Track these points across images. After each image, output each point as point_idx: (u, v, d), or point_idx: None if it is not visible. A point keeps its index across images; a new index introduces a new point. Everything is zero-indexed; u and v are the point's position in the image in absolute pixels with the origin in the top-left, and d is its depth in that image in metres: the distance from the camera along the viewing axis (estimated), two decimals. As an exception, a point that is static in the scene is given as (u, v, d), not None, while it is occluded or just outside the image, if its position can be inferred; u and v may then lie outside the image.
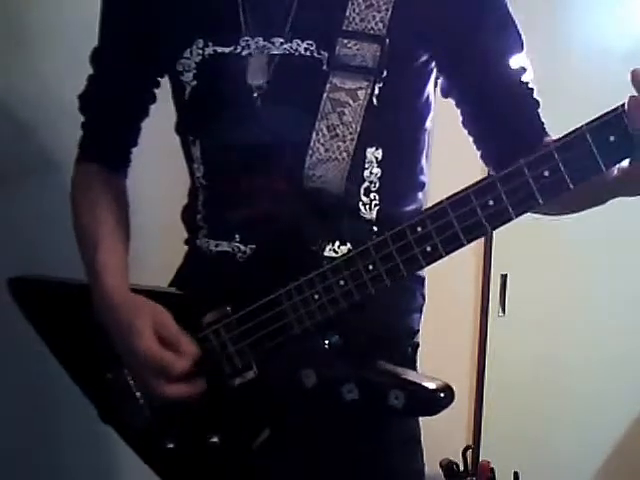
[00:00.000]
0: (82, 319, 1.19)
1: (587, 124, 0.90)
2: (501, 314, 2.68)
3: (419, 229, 0.98)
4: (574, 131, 0.91)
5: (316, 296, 1.04)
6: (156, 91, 1.29)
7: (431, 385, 1.02)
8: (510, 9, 1.17)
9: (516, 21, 1.17)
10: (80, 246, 1.23)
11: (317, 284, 1.04)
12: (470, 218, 0.96)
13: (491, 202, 0.94)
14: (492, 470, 2.52)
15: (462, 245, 0.97)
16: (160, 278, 1.27)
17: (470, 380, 2.64)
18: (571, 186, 0.91)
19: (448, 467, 2.46)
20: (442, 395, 1.02)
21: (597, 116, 0.90)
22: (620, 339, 2.71)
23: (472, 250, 2.64)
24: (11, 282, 1.28)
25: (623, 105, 0.89)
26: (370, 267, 1.01)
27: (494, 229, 0.96)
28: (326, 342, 1.06)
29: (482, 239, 2.62)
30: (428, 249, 0.98)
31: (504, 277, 2.67)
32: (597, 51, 2.60)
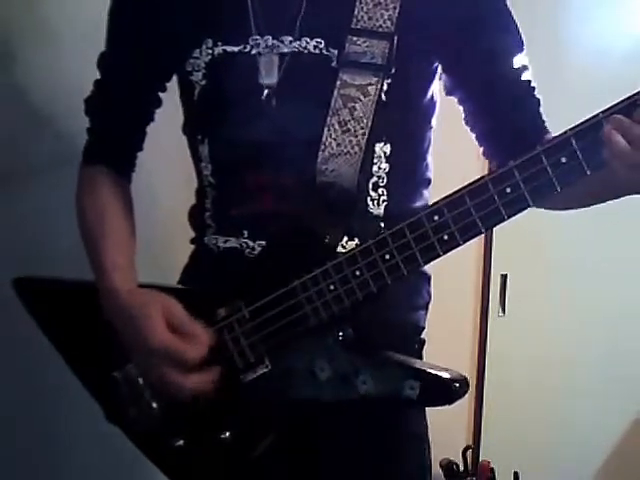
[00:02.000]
0: (89, 318, 1.19)
1: (603, 111, 0.92)
2: (501, 314, 2.68)
3: (436, 217, 1.00)
4: (590, 118, 0.92)
5: (332, 287, 1.05)
6: (162, 95, 1.30)
7: (446, 375, 1.04)
8: (511, 9, 1.18)
9: (517, 21, 1.19)
10: (86, 245, 1.24)
11: (333, 275, 1.05)
12: (487, 206, 0.97)
13: (508, 189, 0.96)
14: (492, 470, 2.52)
15: (480, 233, 0.99)
16: (170, 279, 1.27)
17: (470, 380, 2.63)
18: (588, 172, 0.93)
19: (448, 467, 2.46)
20: (457, 385, 1.04)
21: (612, 104, 0.92)
22: (620, 339, 2.70)
23: (472, 250, 2.64)
24: (17, 282, 1.28)
25: (638, 93, 0.90)
26: (387, 257, 1.02)
27: (510, 217, 0.98)
28: (340, 334, 1.07)
29: (482, 239, 2.63)
30: (445, 237, 1.00)
31: (504, 277, 2.67)
32: (597, 51, 2.60)
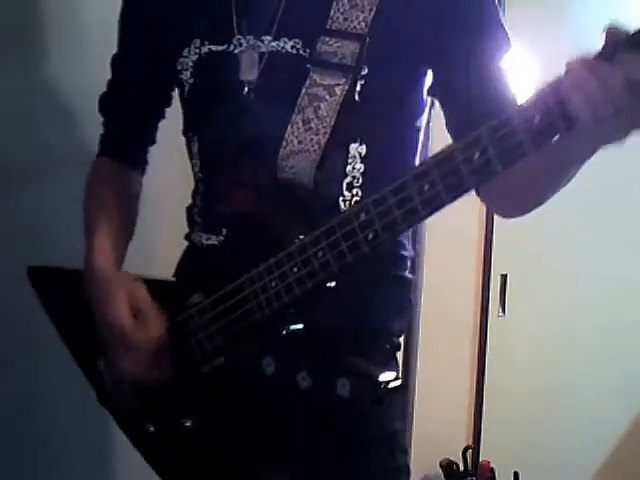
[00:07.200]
0: (85, 306, 1.22)
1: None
2: (501, 314, 2.68)
3: (362, 215, 1.00)
4: (503, 114, 0.91)
5: (273, 283, 1.07)
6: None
7: (377, 375, 1.05)
8: (503, 9, 1.17)
9: (502, 20, 1.16)
10: (84, 233, 1.28)
11: (274, 271, 1.06)
12: (407, 204, 0.97)
13: (426, 187, 0.96)
14: (492, 470, 2.53)
15: (402, 230, 1.00)
16: (170, 274, 1.29)
17: (470, 380, 2.64)
18: (499, 167, 0.92)
19: (448, 467, 2.46)
20: (386, 385, 1.04)
21: (527, 99, 0.90)
22: (620, 339, 2.71)
23: (472, 250, 2.64)
24: (31, 270, 1.32)
25: (550, 86, 0.89)
26: (320, 254, 1.03)
27: (428, 215, 0.98)
28: (284, 330, 1.08)
29: (482, 239, 2.63)
30: (370, 236, 1.00)
31: (504, 277, 2.67)
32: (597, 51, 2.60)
